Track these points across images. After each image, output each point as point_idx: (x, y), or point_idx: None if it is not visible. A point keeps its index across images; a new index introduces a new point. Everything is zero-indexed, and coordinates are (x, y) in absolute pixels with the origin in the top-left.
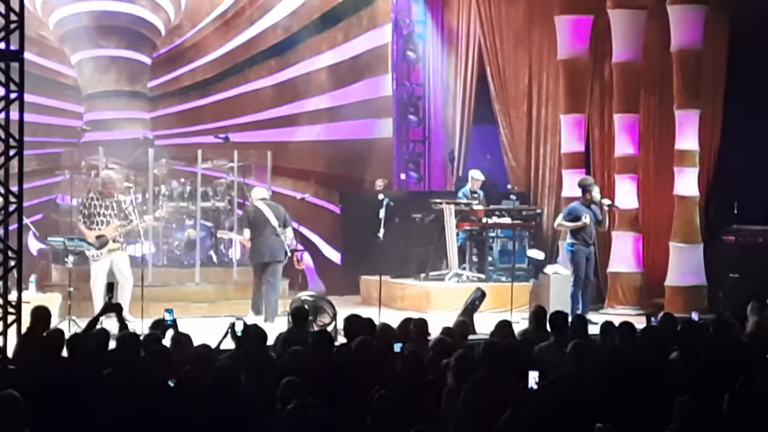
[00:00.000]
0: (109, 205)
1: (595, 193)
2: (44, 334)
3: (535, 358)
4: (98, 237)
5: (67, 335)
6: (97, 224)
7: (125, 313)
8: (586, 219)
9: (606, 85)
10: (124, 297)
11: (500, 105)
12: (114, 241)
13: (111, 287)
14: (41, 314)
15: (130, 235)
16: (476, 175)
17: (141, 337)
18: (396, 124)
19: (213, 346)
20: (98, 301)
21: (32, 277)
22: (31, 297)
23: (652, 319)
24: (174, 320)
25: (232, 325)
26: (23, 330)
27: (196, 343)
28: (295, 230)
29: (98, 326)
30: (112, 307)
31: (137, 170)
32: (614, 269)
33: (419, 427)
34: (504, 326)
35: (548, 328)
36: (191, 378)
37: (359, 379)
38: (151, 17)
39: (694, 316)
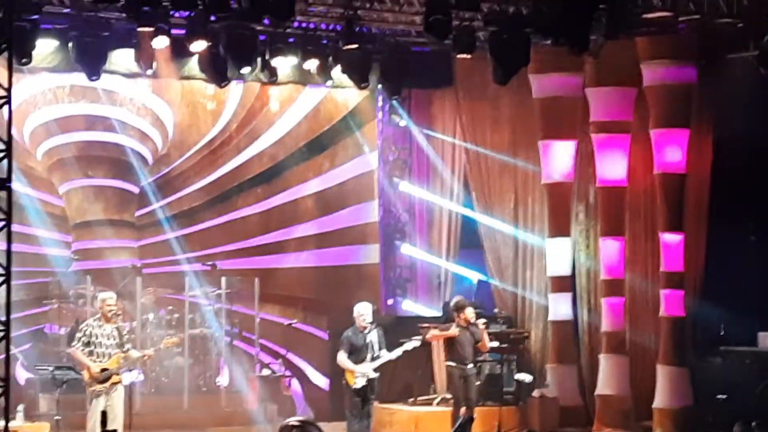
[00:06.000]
0: (110, 334)
1: (469, 313)
2: None
3: None
4: (102, 370)
5: None
6: (99, 356)
7: None
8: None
9: (591, 208)
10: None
11: (486, 229)
12: (116, 374)
13: (104, 416)
14: None
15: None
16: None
17: None
18: (383, 250)
19: None
20: None
21: (20, 407)
22: (19, 426)
23: None
24: None
25: None
26: None
27: None
28: (283, 356)
29: None
30: None
31: (125, 299)
32: (602, 392)
33: None
34: None
35: None
36: None
37: None
38: (138, 147)
39: None
